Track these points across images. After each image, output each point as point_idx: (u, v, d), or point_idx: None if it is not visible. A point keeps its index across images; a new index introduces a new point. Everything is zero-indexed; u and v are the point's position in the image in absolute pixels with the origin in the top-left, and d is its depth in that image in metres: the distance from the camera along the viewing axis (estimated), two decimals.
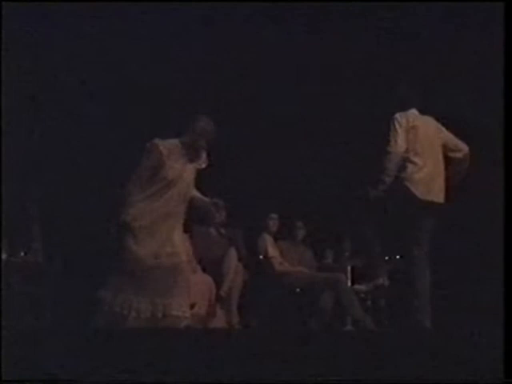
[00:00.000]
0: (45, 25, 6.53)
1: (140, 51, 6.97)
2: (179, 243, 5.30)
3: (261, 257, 6.91)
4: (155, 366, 3.85)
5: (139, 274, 5.14)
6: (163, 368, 3.86)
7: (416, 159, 5.51)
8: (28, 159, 5.23)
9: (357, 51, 7.09)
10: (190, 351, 4.00)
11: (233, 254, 6.57)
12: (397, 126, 5.47)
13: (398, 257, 6.29)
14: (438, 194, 5.57)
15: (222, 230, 6.87)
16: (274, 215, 7.05)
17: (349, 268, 6.85)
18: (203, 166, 5.39)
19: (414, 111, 5.62)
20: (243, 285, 6.52)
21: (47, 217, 6.03)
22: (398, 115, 5.53)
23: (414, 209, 5.47)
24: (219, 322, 6.29)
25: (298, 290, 6.79)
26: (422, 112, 5.66)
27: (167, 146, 5.24)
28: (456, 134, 5.73)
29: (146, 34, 6.87)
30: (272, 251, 6.93)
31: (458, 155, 5.70)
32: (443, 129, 5.73)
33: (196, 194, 5.46)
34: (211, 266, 6.54)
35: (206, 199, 5.48)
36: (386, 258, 6.21)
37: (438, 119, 5.76)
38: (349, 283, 6.74)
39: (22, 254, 6.36)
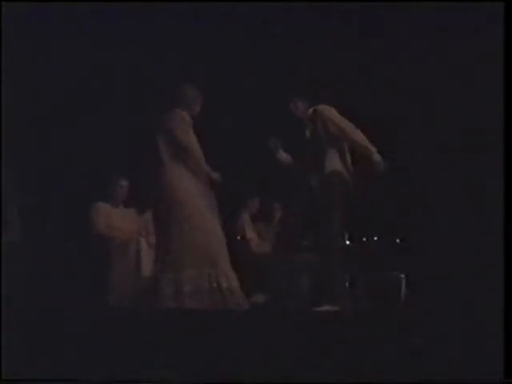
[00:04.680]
0: (45, 25, 6.54)
1: (139, 50, 6.98)
2: None
3: (238, 238, 6.88)
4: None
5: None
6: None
7: None
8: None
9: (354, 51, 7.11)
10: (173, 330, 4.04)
11: None
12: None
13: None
14: None
15: None
16: (254, 196, 7.02)
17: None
18: None
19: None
20: None
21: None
22: (328, 107, 5.51)
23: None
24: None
25: (276, 271, 6.76)
26: None
27: (184, 113, 5.44)
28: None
29: (146, 33, 6.88)
30: (250, 232, 6.90)
31: None
32: None
33: None
34: None
35: None
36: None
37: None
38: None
39: None
